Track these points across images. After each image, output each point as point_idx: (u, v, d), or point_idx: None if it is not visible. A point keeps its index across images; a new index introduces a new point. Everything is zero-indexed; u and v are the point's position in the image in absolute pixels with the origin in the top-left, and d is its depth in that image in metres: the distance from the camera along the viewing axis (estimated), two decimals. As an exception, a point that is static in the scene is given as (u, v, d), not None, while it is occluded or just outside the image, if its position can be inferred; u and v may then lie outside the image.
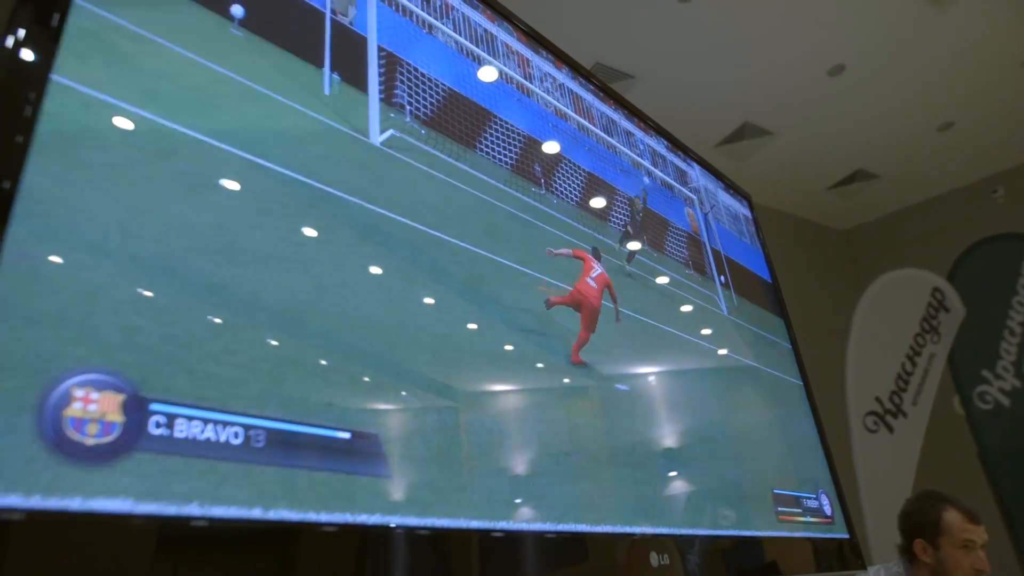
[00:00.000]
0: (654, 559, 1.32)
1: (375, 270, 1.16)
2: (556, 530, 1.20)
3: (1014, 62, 4.52)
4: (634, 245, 1.97)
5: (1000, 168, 5.59)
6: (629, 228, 1.97)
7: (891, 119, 4.95)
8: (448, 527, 1.04)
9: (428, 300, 1.22)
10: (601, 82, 2.13)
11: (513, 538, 1.13)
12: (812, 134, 5.02)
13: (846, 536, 2.00)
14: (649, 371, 1.75)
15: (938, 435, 4.68)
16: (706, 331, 2.08)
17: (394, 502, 0.99)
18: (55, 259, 0.79)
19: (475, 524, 1.08)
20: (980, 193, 5.66)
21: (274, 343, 0.96)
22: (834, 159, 5.43)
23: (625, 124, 2.17)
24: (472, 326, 1.29)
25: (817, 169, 5.49)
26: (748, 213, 2.77)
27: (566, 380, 1.46)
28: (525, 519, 1.17)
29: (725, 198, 2.67)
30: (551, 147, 1.79)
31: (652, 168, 2.24)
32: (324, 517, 0.89)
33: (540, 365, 1.42)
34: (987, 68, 4.53)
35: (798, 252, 5.69)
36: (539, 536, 1.16)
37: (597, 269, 1.69)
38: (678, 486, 1.57)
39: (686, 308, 2.05)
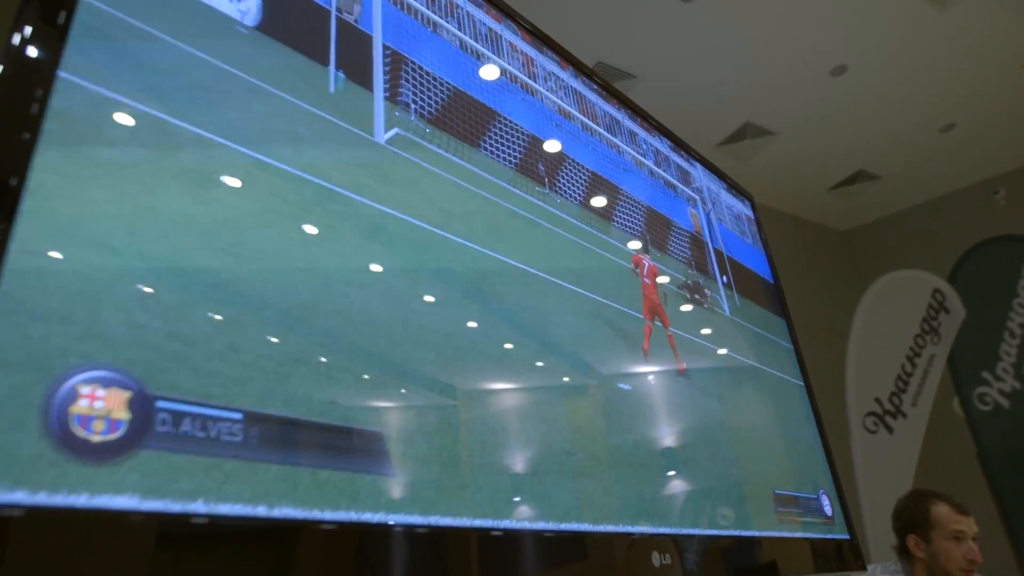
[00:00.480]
0: (656, 559, 1.32)
1: (379, 268, 1.16)
2: (558, 529, 1.20)
3: (1015, 63, 4.53)
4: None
5: (1001, 170, 5.60)
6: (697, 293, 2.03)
7: (892, 120, 4.96)
8: (451, 525, 1.04)
9: (431, 299, 1.22)
10: (604, 81, 2.13)
11: (516, 537, 1.13)
12: (813, 134, 5.03)
13: (846, 537, 2.01)
14: (651, 371, 1.75)
15: (937, 436, 4.68)
16: (707, 331, 2.09)
17: (397, 500, 0.99)
18: (61, 256, 0.79)
19: (478, 523, 1.08)
20: (981, 195, 5.66)
21: (279, 341, 0.96)
22: (835, 160, 5.44)
23: (628, 124, 2.17)
24: (475, 325, 1.29)
25: (818, 169, 5.50)
26: (750, 213, 2.78)
27: (569, 379, 1.46)
28: (528, 518, 1.17)
29: (727, 198, 2.67)
30: (555, 146, 1.79)
31: (655, 168, 2.24)
32: (328, 515, 0.89)
33: (540, 364, 1.42)
34: (988, 69, 4.53)
35: (798, 252, 5.69)
36: (541, 535, 1.17)
37: (646, 263, 1.77)
38: (680, 486, 1.58)
39: (686, 308, 2.05)
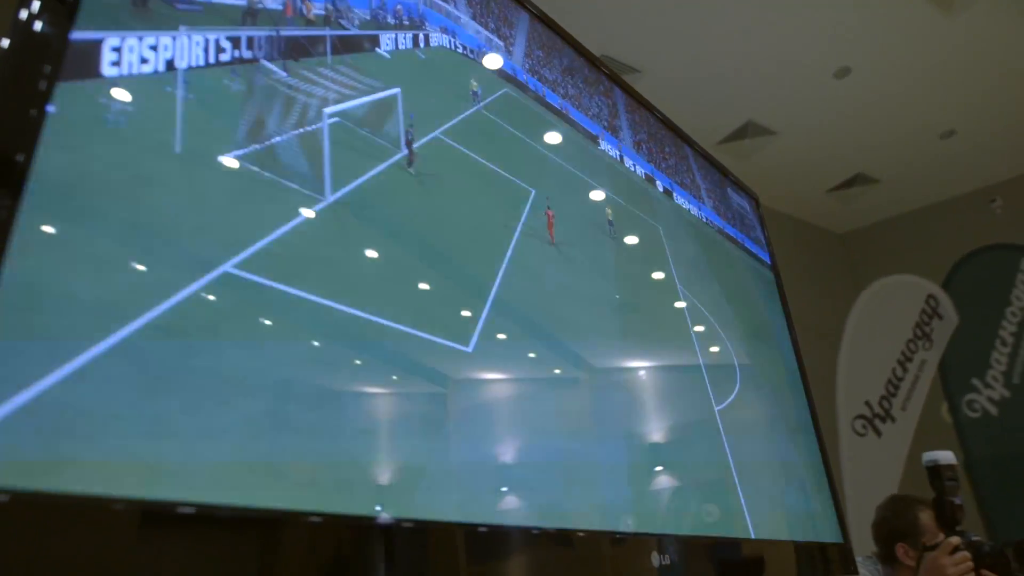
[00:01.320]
0: (655, 559, 1.32)
1: (373, 254, 1.15)
2: (556, 528, 1.20)
3: (1020, 71, 4.53)
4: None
5: (999, 178, 5.61)
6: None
7: (894, 124, 4.96)
8: (443, 521, 1.04)
9: (424, 286, 1.21)
10: (612, 71, 2.12)
11: (510, 535, 1.13)
12: (814, 135, 5.03)
13: (840, 541, 2.02)
14: (648, 367, 1.75)
15: (925, 441, 4.72)
16: (699, 328, 2.09)
17: (387, 494, 0.99)
18: (69, 234, 0.77)
19: (473, 519, 1.08)
20: (978, 202, 5.68)
21: (274, 323, 0.95)
22: (835, 162, 5.44)
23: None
24: (466, 313, 1.28)
25: (818, 171, 5.50)
26: (751, 213, 2.78)
27: (572, 375, 1.46)
28: (522, 514, 1.17)
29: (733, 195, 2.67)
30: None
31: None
32: (316, 507, 0.88)
33: (532, 355, 1.41)
34: (991, 77, 4.53)
35: (794, 253, 5.70)
36: (537, 533, 1.16)
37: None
38: (676, 485, 1.58)
39: (680, 304, 2.05)
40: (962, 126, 5.03)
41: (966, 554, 1.72)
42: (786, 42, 4.13)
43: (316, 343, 0.98)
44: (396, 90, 1.27)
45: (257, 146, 0.97)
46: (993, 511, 4.70)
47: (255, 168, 0.97)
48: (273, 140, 1.00)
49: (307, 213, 1.03)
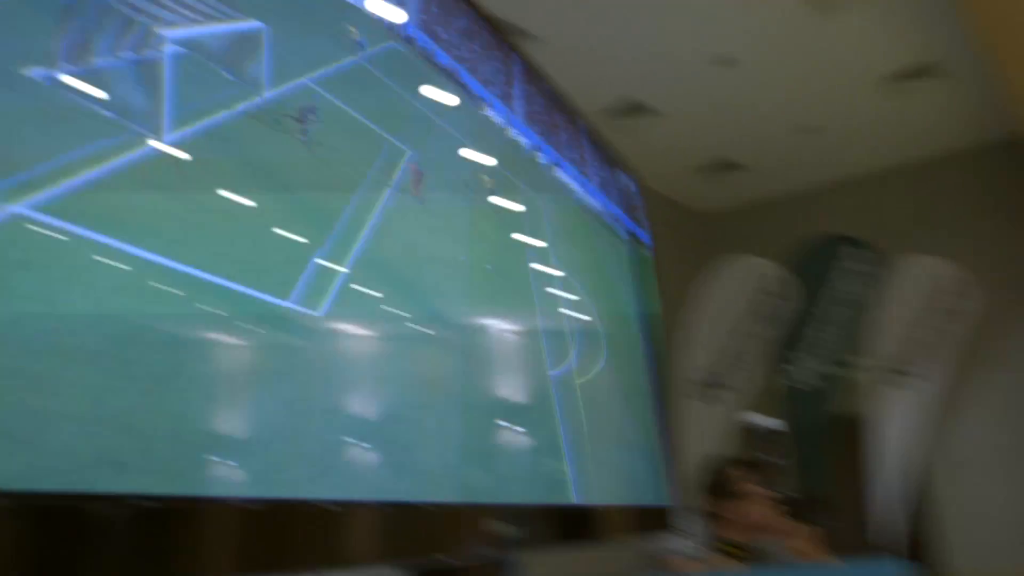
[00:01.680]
0: (490, 526, 1.34)
1: (218, 206, 1.05)
2: (395, 502, 1.17)
3: (875, 78, 4.92)
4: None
5: (853, 174, 6.18)
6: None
7: (764, 115, 5.24)
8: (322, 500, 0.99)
9: (275, 244, 1.12)
10: (510, 38, 2.05)
11: (341, 509, 1.10)
12: (688, 117, 5.22)
13: (666, 504, 2.15)
14: (511, 333, 1.75)
15: (755, 408, 5.16)
16: (560, 293, 2.11)
17: (216, 466, 0.92)
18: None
19: (305, 491, 1.03)
20: (830, 195, 6.22)
21: (80, 278, 0.84)
22: (705, 145, 5.69)
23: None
24: (321, 275, 1.21)
25: (687, 152, 5.74)
26: (634, 193, 2.83)
27: (430, 341, 1.43)
28: (359, 481, 1.14)
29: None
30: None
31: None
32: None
33: (390, 321, 1.37)
34: (853, 80, 4.90)
35: (660, 229, 5.94)
36: (379, 507, 1.14)
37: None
38: (513, 450, 1.60)
39: (547, 271, 2.07)
40: (824, 123, 5.42)
41: (770, 502, 1.91)
42: (671, 23, 4.21)
43: (138, 303, 0.87)
44: (259, 24, 1.14)
45: (76, 68, 0.83)
46: (808, 471, 5.26)
47: (71, 95, 0.83)
48: (99, 64, 0.86)
49: (138, 151, 0.91)
